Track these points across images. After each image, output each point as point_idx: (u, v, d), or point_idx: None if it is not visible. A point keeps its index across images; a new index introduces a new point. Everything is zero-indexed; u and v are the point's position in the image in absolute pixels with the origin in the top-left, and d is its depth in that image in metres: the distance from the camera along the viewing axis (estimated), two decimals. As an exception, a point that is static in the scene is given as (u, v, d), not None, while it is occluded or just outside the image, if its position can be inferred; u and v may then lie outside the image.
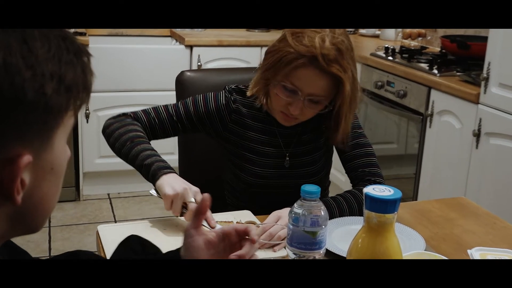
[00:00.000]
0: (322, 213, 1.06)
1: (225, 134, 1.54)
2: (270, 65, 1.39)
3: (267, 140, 1.53)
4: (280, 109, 1.43)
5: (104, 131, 1.52)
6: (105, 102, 3.26)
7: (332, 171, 3.57)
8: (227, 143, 1.55)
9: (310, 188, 1.07)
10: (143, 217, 3.19)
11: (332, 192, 1.62)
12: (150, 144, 1.46)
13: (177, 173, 1.37)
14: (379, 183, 1.47)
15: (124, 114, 1.54)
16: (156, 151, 1.44)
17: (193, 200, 1.31)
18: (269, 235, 1.21)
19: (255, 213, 1.45)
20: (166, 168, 1.36)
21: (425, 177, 2.72)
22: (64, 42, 0.62)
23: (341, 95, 1.37)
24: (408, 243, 1.31)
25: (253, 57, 3.48)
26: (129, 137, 1.45)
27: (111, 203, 3.34)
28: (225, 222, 1.36)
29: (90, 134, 3.28)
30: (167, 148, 3.38)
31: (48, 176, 0.62)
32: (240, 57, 3.46)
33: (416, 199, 2.77)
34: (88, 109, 3.22)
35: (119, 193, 3.46)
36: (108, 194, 3.44)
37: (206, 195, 0.96)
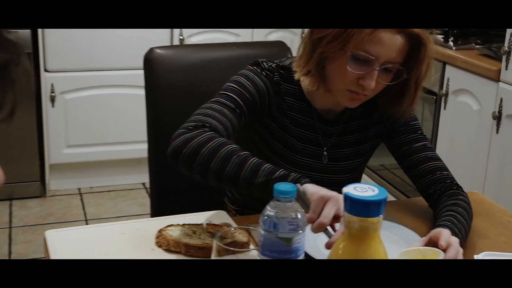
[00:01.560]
0: (299, 216, 1.03)
1: (267, 119, 1.48)
2: (335, 36, 1.32)
3: (306, 136, 1.50)
4: (346, 86, 1.37)
5: (178, 153, 1.31)
6: (73, 83, 3.23)
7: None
8: (265, 130, 1.50)
9: (284, 186, 1.03)
10: (119, 215, 3.17)
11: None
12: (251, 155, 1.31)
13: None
14: (463, 193, 1.46)
15: (191, 128, 1.34)
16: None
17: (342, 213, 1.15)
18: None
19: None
20: (300, 178, 1.26)
21: (439, 166, 2.69)
22: None
23: (419, 57, 1.35)
24: (406, 247, 1.29)
25: (245, 29, 3.44)
26: (231, 150, 1.28)
27: (82, 200, 3.33)
28: (194, 225, 1.34)
29: (56, 120, 3.25)
30: (133, 135, 3.37)
31: None
32: (229, 29, 3.43)
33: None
34: (53, 92, 3.20)
35: (91, 187, 3.45)
36: (79, 189, 3.43)
37: None
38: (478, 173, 2.48)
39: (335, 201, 1.20)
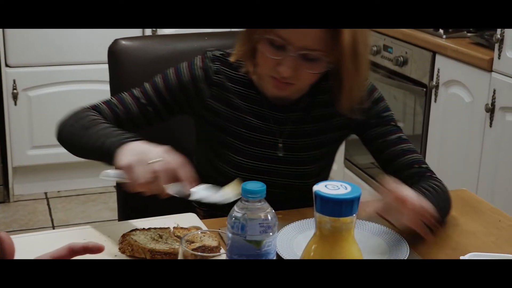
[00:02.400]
0: (269, 217, 1.03)
1: (204, 112, 1.50)
2: None
3: (258, 125, 1.50)
4: (268, 72, 1.39)
5: (58, 134, 1.49)
6: (37, 79, 3.21)
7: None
8: (206, 124, 1.52)
9: (252, 186, 1.03)
10: (89, 221, 3.16)
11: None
12: (106, 123, 1.41)
13: (139, 141, 1.31)
14: (440, 181, 1.45)
15: (81, 109, 1.51)
16: (113, 127, 1.39)
17: (154, 160, 1.23)
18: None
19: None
20: (122, 140, 1.30)
21: (430, 163, 2.70)
22: None
23: (339, 47, 1.34)
24: (389, 250, 1.29)
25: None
26: (83, 125, 1.41)
27: (48, 204, 3.31)
28: (160, 229, 1.33)
29: (19, 119, 3.23)
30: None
31: None
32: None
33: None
34: (16, 88, 3.18)
35: (58, 191, 3.43)
36: (45, 193, 3.41)
37: None
38: (471, 169, 2.49)
39: (136, 161, 1.23)
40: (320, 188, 0.92)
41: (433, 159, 2.69)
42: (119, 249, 1.28)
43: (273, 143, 1.51)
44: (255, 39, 1.39)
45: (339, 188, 0.92)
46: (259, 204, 1.04)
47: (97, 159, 1.37)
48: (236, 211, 1.04)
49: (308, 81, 1.42)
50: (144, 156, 1.24)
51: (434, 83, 2.63)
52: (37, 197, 3.37)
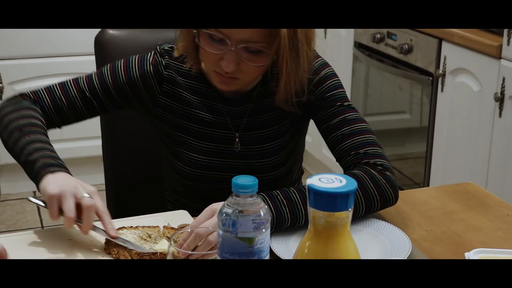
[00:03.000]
0: (262, 213, 1.03)
1: (155, 110, 1.51)
2: None
3: (213, 120, 1.50)
4: (212, 67, 1.40)
5: None
6: (23, 72, 3.22)
7: (324, 151, 3.51)
8: (159, 121, 1.53)
9: (244, 180, 1.03)
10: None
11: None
12: (44, 134, 1.43)
13: (69, 173, 1.34)
14: (382, 166, 1.42)
15: (22, 95, 1.52)
16: (50, 145, 1.40)
17: (86, 195, 1.29)
18: (194, 239, 1.18)
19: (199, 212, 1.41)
20: (55, 166, 1.33)
21: (438, 155, 2.70)
22: None
23: (278, 38, 1.34)
24: (390, 247, 1.29)
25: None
26: (19, 125, 1.42)
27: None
28: (148, 227, 1.33)
29: (5, 115, 3.23)
30: (94, 130, 3.32)
31: None
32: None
33: (428, 185, 2.76)
34: (1, 82, 3.17)
35: (48, 190, 3.42)
36: (34, 192, 3.40)
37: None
38: (480, 161, 2.49)
39: (66, 194, 1.26)
40: (314, 181, 0.91)
41: (440, 151, 2.69)
42: (105, 249, 1.28)
43: (229, 138, 1.50)
44: (194, 33, 1.39)
45: (333, 182, 0.91)
46: (251, 199, 1.03)
47: (23, 169, 1.39)
48: (227, 207, 1.03)
49: (253, 74, 1.41)
50: (75, 190, 1.29)
51: (440, 71, 2.62)
52: (25, 196, 3.35)
